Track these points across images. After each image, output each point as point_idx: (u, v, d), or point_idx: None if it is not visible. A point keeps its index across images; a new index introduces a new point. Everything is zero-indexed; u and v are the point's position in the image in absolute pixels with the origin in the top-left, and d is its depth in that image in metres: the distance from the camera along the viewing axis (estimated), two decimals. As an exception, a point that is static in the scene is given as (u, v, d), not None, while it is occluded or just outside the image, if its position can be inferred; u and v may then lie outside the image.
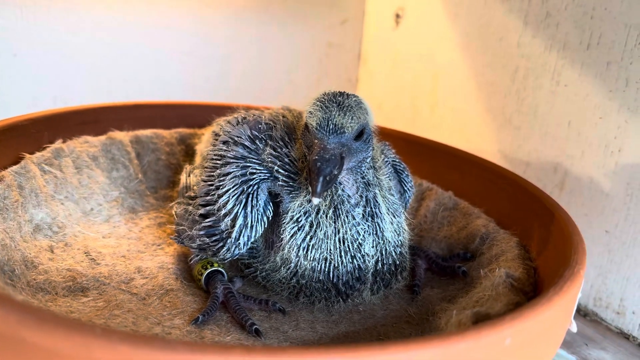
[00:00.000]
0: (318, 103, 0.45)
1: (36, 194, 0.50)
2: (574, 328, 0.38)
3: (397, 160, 0.55)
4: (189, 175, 0.57)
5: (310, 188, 0.42)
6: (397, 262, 0.49)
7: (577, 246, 0.41)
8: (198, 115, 0.67)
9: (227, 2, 0.85)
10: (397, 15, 0.88)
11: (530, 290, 0.43)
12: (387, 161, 0.53)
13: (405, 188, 0.54)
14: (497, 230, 0.53)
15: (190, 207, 0.51)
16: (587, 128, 0.61)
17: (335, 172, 0.42)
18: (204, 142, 0.59)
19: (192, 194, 0.53)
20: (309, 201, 0.46)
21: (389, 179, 0.52)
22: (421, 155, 0.64)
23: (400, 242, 0.50)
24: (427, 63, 0.84)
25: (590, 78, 0.60)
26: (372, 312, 0.48)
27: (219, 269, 0.49)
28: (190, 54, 0.84)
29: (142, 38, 0.79)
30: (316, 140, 0.44)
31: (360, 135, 0.45)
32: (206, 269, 0.49)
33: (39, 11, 0.71)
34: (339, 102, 0.45)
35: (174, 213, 0.54)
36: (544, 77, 0.66)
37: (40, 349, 0.25)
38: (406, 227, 0.52)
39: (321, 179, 0.41)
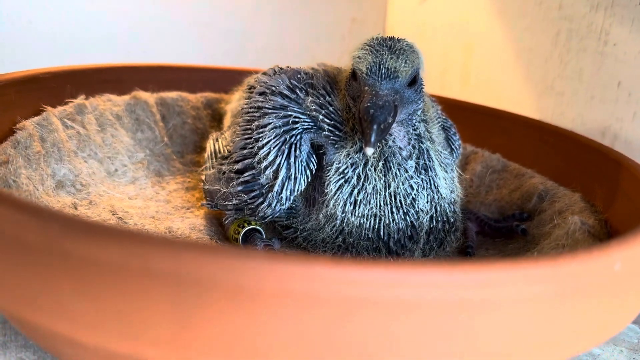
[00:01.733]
0: (367, 47, 0.42)
1: (58, 148, 0.46)
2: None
3: (443, 117, 0.51)
4: (217, 141, 0.53)
5: (362, 137, 0.39)
6: (452, 221, 0.45)
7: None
8: (223, 79, 0.63)
9: (248, -25, 0.82)
10: (426, -13, 0.85)
11: (606, 239, 0.39)
12: (435, 116, 0.49)
13: (453, 147, 0.50)
14: (557, 187, 0.49)
15: (224, 167, 0.47)
16: (639, 88, 0.57)
17: (390, 120, 0.38)
18: (235, 101, 0.56)
19: (225, 154, 0.49)
20: (357, 152, 0.42)
21: (439, 134, 0.48)
22: (463, 119, 0.60)
23: (453, 200, 0.46)
24: (459, 34, 0.80)
25: (642, 34, 0.57)
26: (424, 274, 0.43)
27: (257, 227, 0.45)
28: (209, 25, 0.80)
29: (160, 7, 0.76)
30: (366, 87, 0.40)
31: (413, 82, 0.42)
32: (243, 227, 0.45)
33: (54, -22, 0.68)
34: (389, 45, 0.41)
35: (203, 178, 0.50)
36: (590, 38, 0.62)
37: (87, 262, 0.21)
38: (458, 185, 0.48)
39: (375, 127, 0.37)
